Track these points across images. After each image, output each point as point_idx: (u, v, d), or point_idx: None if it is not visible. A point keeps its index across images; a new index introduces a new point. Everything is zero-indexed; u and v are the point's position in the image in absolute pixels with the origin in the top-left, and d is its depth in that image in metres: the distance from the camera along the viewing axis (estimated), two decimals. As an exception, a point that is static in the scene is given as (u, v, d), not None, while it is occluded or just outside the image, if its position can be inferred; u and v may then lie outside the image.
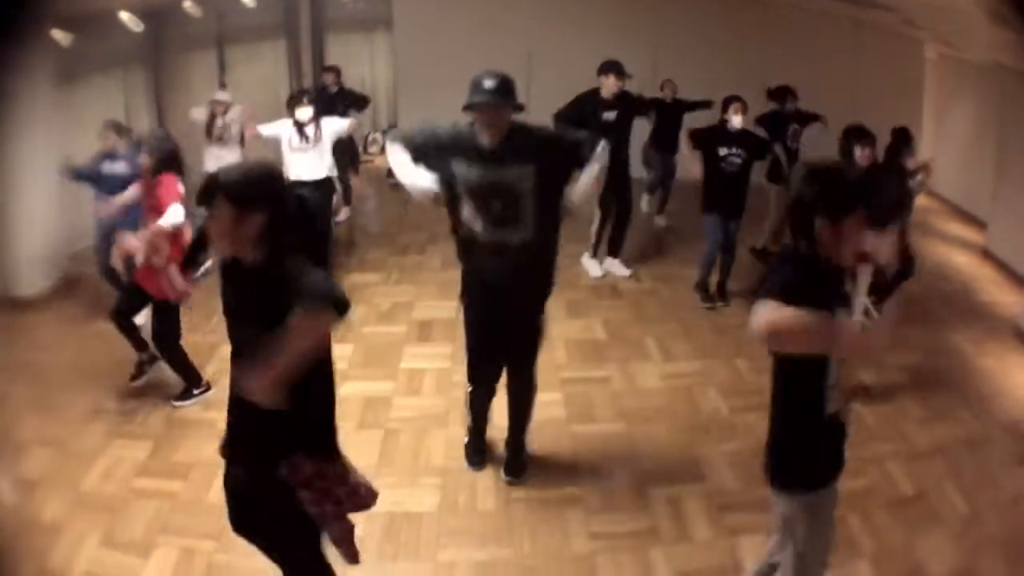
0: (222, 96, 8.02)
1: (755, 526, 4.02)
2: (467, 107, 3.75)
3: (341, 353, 5.74)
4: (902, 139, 6.59)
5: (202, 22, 9.19)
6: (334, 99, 8.70)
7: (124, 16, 7.85)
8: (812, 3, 9.71)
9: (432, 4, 10.44)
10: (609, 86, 6.98)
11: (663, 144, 8.99)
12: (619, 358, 5.81)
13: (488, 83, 3.70)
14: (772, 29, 10.06)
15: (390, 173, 10.96)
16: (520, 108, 3.82)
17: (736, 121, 6.65)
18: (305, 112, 6.81)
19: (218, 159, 7.40)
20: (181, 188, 5.02)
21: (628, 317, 6.48)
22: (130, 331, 5.25)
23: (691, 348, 6.02)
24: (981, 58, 8.53)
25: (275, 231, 2.47)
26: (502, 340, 4.15)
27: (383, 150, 12.36)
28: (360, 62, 12.44)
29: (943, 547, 3.91)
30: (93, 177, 6.19)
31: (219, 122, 7.81)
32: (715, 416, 5.12)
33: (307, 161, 6.84)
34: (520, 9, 10.22)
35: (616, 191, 7.14)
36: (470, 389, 4.35)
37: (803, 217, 2.52)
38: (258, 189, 2.48)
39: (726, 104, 6.77)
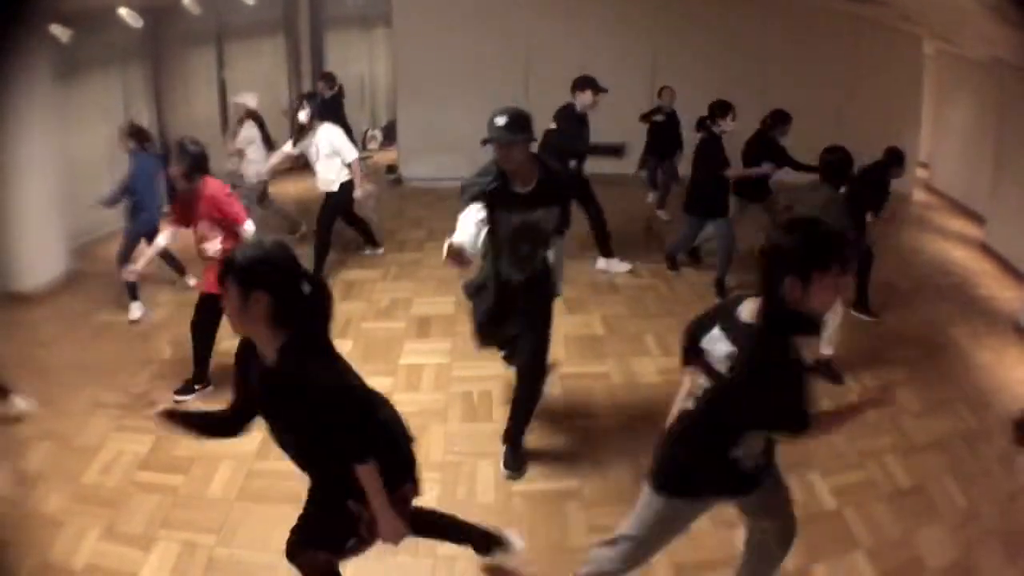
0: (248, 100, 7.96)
1: (753, 519, 4.05)
2: (485, 141, 3.96)
3: (340, 348, 5.73)
4: (893, 159, 6.43)
5: (201, 19, 9.19)
6: (330, 104, 9.23)
7: (123, 12, 7.86)
8: (811, 0, 9.72)
9: (431, 1, 10.43)
10: (584, 101, 6.82)
11: (663, 150, 9.05)
12: (618, 353, 5.83)
13: (500, 120, 3.91)
14: (771, 26, 10.06)
15: (389, 169, 11.07)
16: (531, 140, 4.02)
17: (729, 128, 6.80)
18: (304, 115, 6.91)
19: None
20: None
21: (627, 313, 6.49)
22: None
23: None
24: (979, 54, 8.54)
25: (284, 317, 2.44)
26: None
27: (381, 146, 12.47)
28: (359, 59, 12.45)
29: (941, 540, 3.92)
30: (124, 191, 6.30)
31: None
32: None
33: (320, 173, 7.06)
34: (519, 7, 10.21)
35: (582, 201, 7.13)
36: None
37: (773, 272, 2.42)
38: (263, 268, 2.41)
39: (722, 111, 6.82)
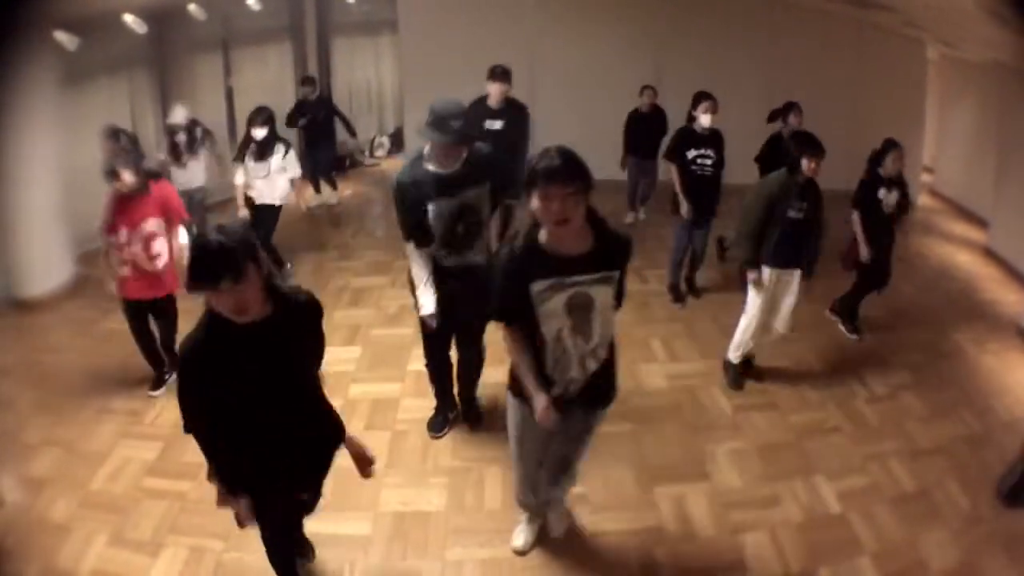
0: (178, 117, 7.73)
1: (759, 523, 4.07)
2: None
3: (349, 356, 5.80)
4: (884, 148, 6.29)
5: (207, 25, 9.21)
6: (314, 106, 9.39)
7: (129, 19, 7.89)
8: (814, 4, 9.73)
9: (436, 7, 10.47)
10: (495, 93, 6.48)
11: (641, 151, 8.82)
12: (625, 359, 5.77)
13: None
14: (775, 30, 10.08)
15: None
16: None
17: (705, 120, 6.45)
18: (259, 132, 6.90)
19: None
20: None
21: (634, 319, 6.49)
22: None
23: (695, 348, 6.04)
24: (982, 58, 8.55)
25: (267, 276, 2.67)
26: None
27: (389, 153, 12.48)
28: (365, 65, 12.48)
29: (945, 544, 3.93)
30: None
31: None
32: (719, 415, 5.15)
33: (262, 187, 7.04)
34: (524, 11, 10.25)
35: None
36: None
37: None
38: (246, 244, 2.58)
39: (695, 102, 6.56)
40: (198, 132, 7.65)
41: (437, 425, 4.88)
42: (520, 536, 3.86)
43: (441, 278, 4.26)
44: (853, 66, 10.09)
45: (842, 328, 6.38)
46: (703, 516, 4.15)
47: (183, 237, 5.17)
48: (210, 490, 4.30)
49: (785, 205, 5.11)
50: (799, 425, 5.04)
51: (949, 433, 4.94)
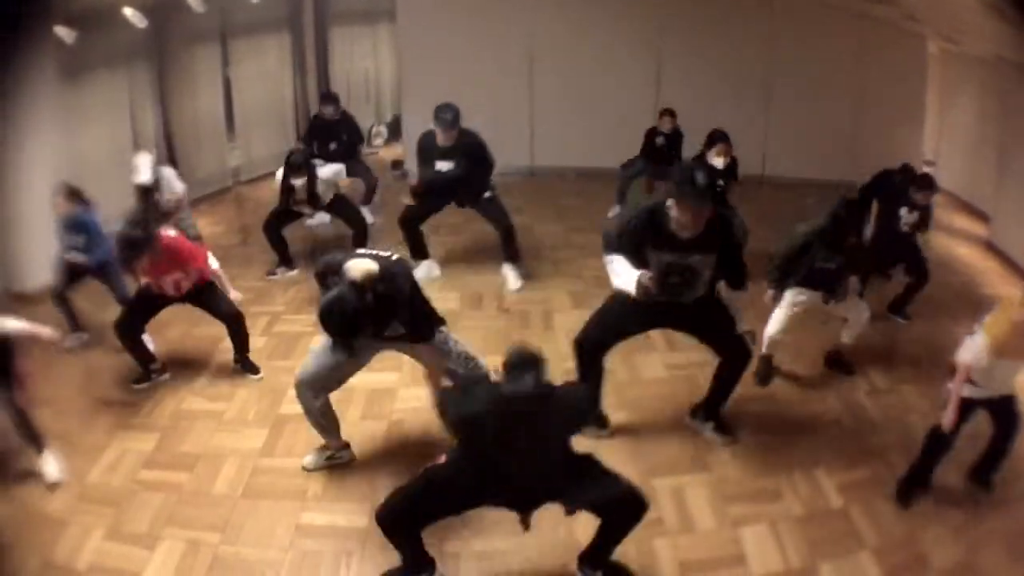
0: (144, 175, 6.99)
1: (759, 516, 4.06)
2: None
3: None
4: (923, 182, 6.26)
5: (206, 17, 9.18)
6: (333, 127, 8.30)
7: (128, 12, 7.86)
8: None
9: (435, -3, 10.44)
10: (445, 135, 6.43)
11: (656, 171, 8.48)
12: (623, 349, 5.77)
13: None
14: (775, 25, 10.03)
15: (395, 165, 11.05)
16: None
17: (718, 163, 6.57)
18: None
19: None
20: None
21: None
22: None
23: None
24: (983, 52, 8.51)
25: None
26: None
27: (387, 142, 12.45)
28: (363, 55, 12.43)
29: (946, 539, 3.92)
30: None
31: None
32: (720, 406, 5.13)
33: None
34: (523, 2, 10.20)
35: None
36: None
37: None
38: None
39: (710, 142, 6.63)
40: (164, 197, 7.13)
41: None
42: None
43: None
44: (854, 60, 10.04)
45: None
46: (703, 508, 4.13)
47: (214, 263, 5.29)
48: (206, 482, 4.33)
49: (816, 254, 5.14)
50: (800, 418, 5.03)
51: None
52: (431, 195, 6.74)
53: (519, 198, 8.41)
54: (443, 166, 6.55)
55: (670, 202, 3.98)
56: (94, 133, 7.79)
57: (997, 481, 4.21)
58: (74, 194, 5.75)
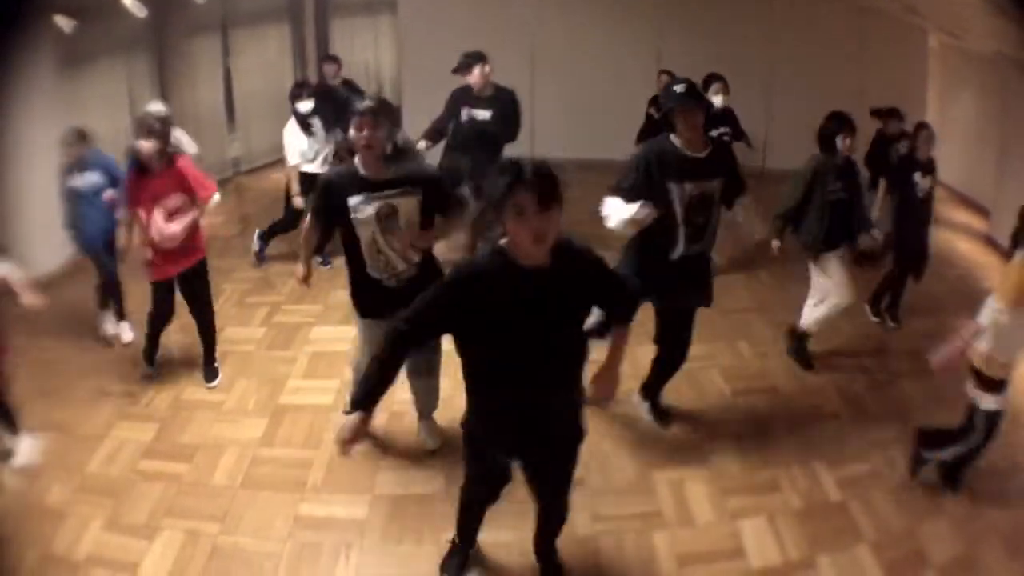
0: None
1: (757, 510, 4.05)
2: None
3: (345, 336, 5.74)
4: (917, 132, 6.15)
5: (206, 7, 9.17)
6: (334, 91, 8.22)
7: (127, 2, 7.82)
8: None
9: (436, -12, 10.41)
10: (478, 81, 6.49)
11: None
12: (623, 343, 5.80)
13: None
14: (776, 18, 10.01)
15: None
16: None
17: (717, 100, 6.55)
18: (305, 105, 6.94)
19: None
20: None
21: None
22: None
23: (695, 331, 6.00)
24: (983, 47, 8.50)
25: None
26: None
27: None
28: (364, 46, 12.40)
29: (945, 534, 3.92)
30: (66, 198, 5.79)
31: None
32: (719, 399, 5.14)
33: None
34: (524, -6, 10.20)
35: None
36: None
37: None
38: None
39: (707, 83, 6.60)
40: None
41: None
42: None
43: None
44: (854, 54, 10.02)
45: (870, 315, 6.34)
46: (702, 501, 4.13)
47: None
48: (205, 472, 4.33)
49: (823, 187, 5.17)
50: (799, 411, 5.03)
51: (950, 421, 4.90)
52: (465, 145, 6.71)
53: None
54: (479, 114, 6.54)
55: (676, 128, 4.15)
56: (94, 123, 7.73)
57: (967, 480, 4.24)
58: (83, 136, 5.71)
